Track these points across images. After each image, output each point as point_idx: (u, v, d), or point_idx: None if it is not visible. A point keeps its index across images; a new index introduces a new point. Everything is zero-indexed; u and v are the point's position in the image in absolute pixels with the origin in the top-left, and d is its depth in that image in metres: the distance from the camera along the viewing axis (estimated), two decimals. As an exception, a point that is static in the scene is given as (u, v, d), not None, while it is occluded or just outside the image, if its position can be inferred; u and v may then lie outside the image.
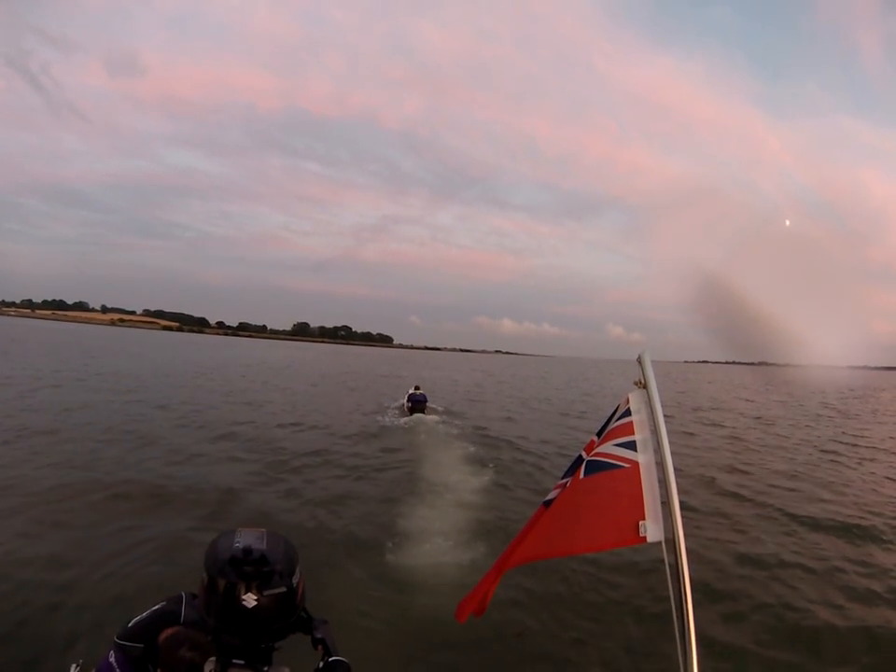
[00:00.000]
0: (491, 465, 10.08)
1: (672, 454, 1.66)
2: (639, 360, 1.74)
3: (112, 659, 1.57)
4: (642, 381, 1.74)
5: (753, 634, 4.57)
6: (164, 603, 1.66)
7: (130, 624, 1.60)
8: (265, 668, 1.54)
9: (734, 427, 17.90)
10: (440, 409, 18.35)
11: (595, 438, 1.81)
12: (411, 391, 18.27)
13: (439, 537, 6.26)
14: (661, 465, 1.65)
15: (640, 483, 1.66)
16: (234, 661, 1.52)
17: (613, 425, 1.76)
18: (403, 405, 18.00)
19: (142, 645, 1.56)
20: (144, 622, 1.60)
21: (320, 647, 1.62)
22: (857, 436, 16.76)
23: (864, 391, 42.50)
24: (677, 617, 1.57)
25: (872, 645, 4.46)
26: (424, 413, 16.72)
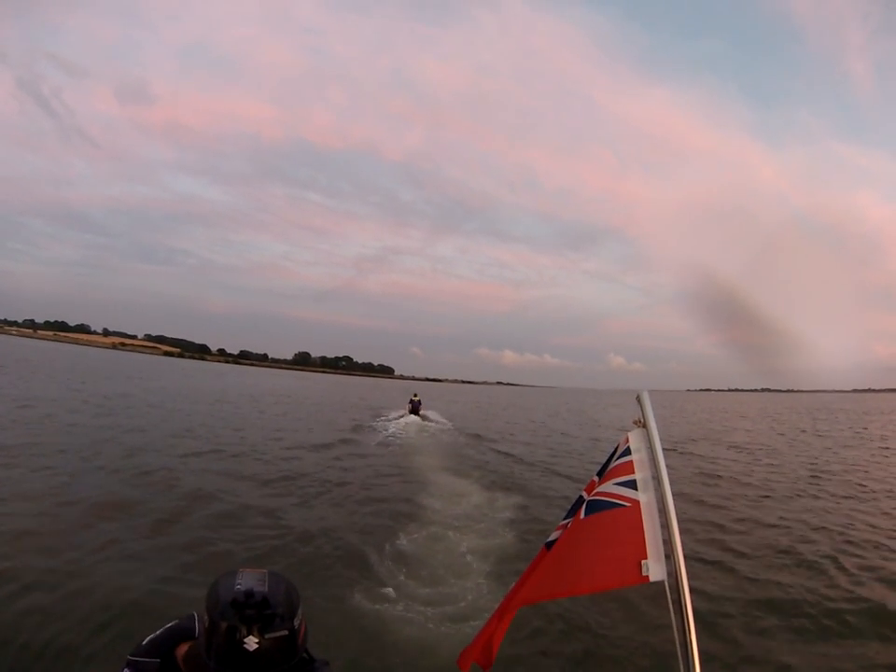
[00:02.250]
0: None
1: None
2: (639, 400, 1.78)
3: None
4: (641, 420, 1.78)
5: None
6: (178, 621, 1.70)
7: (144, 643, 1.63)
8: None
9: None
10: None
11: (596, 478, 1.83)
12: (412, 397, 27.00)
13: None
14: (662, 503, 1.67)
15: (642, 521, 1.68)
16: None
17: (613, 464, 1.78)
18: (406, 408, 26.14)
19: (158, 660, 1.58)
20: (158, 638, 1.65)
21: None
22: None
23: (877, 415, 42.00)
24: (681, 657, 1.57)
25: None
26: (418, 414, 24.79)
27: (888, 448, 21.04)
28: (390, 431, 19.72)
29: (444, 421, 24.76)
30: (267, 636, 1.42)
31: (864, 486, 13.07)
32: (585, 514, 1.74)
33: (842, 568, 7.00)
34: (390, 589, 5.66)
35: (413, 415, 24.30)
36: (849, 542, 8.26)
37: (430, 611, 5.22)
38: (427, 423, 23.16)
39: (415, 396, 26.96)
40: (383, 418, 24.14)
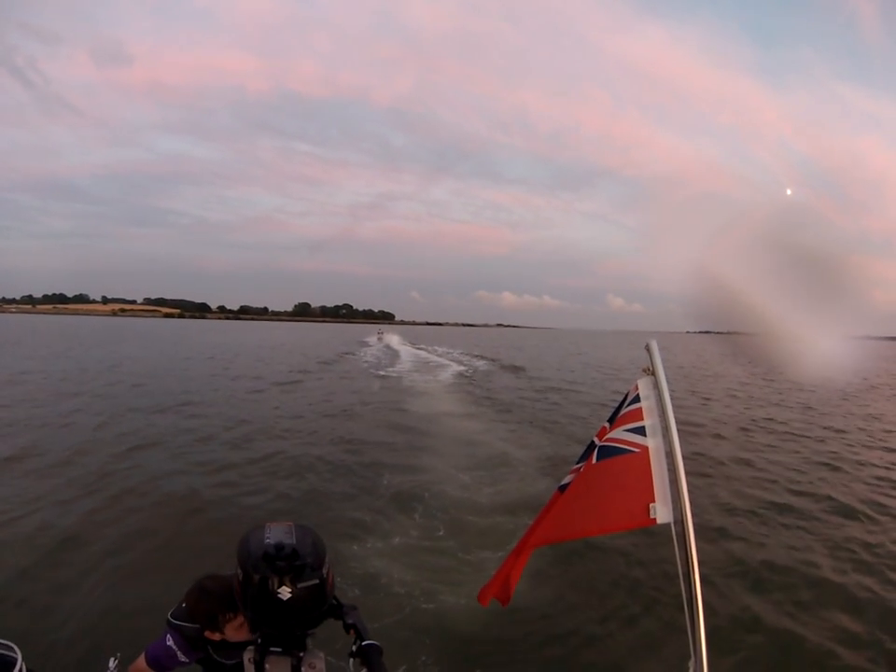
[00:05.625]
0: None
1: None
2: (647, 348, 1.78)
3: (170, 642, 1.67)
4: (650, 368, 1.78)
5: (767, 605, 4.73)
6: None
7: (185, 605, 1.71)
8: (301, 654, 1.64)
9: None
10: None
11: (607, 424, 1.86)
12: (380, 329, 60.12)
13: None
14: (669, 449, 1.71)
15: (650, 466, 1.72)
16: (272, 648, 1.62)
17: (624, 411, 1.81)
18: (377, 336, 54.22)
19: (198, 625, 1.67)
20: None
21: (352, 631, 1.72)
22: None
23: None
24: (686, 595, 1.64)
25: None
26: (383, 338, 52.66)
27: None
28: (371, 345, 46.78)
29: (395, 338, 53.51)
30: (299, 585, 1.50)
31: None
32: (597, 459, 1.79)
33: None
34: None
35: (379, 338, 53.23)
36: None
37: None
38: (385, 341, 50.22)
39: (380, 331, 58.52)
40: (365, 342, 51.47)
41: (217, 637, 1.71)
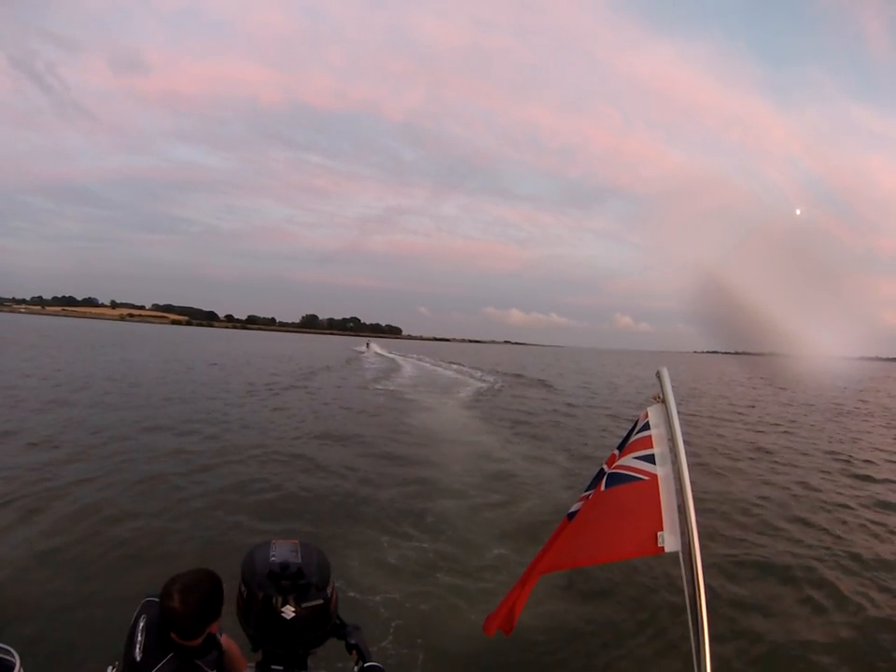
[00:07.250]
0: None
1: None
2: (659, 376, 1.78)
3: None
4: (661, 396, 1.78)
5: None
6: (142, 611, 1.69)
7: (139, 659, 1.58)
8: None
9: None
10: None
11: (616, 451, 1.85)
12: (367, 341, 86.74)
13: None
14: (678, 477, 1.69)
15: (658, 494, 1.70)
16: (273, 666, 1.60)
17: (633, 438, 1.80)
18: (365, 346, 74.87)
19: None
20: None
21: (354, 652, 1.69)
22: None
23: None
24: (692, 624, 1.62)
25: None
26: (369, 347, 70.72)
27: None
28: (361, 352, 60.60)
29: (380, 348, 70.70)
30: (303, 605, 1.49)
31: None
32: (606, 487, 1.78)
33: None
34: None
35: (367, 347, 69.39)
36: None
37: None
38: (372, 349, 65.57)
39: (367, 342, 79.68)
40: (357, 349, 67.15)
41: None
